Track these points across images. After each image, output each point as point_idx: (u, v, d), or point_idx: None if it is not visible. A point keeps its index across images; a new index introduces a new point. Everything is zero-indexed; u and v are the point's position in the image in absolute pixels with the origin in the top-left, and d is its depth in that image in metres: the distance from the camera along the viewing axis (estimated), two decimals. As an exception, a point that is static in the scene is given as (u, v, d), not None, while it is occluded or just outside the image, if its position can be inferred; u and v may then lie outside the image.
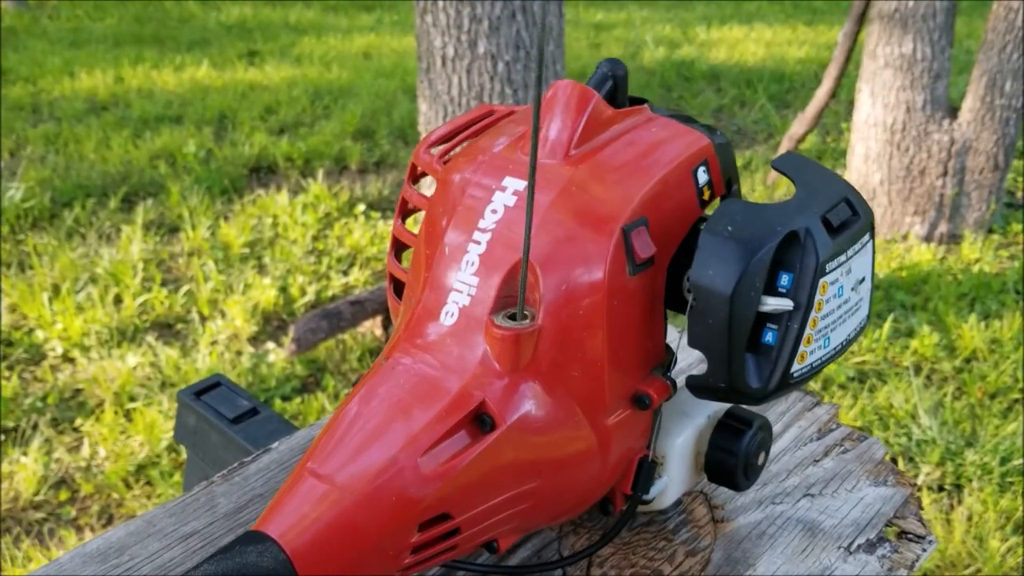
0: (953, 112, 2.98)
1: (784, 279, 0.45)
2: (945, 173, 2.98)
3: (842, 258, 0.46)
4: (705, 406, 0.54)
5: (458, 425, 0.44)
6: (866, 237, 0.48)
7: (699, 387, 0.48)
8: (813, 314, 0.45)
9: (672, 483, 0.54)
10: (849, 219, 0.46)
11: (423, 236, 0.51)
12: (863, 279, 0.48)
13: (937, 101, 2.96)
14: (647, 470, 0.52)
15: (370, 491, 0.41)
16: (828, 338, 0.47)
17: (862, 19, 3.16)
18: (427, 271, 0.48)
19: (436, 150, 0.56)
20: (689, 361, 0.73)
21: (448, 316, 0.47)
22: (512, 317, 0.45)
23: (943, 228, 3.04)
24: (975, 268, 2.82)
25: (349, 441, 0.43)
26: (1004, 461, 1.92)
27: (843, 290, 0.47)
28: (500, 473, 0.45)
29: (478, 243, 0.47)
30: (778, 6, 7.22)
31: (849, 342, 0.49)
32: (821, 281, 0.45)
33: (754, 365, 0.46)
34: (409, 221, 0.58)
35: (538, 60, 0.35)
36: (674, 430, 0.53)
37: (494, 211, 0.47)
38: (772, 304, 0.45)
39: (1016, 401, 2.16)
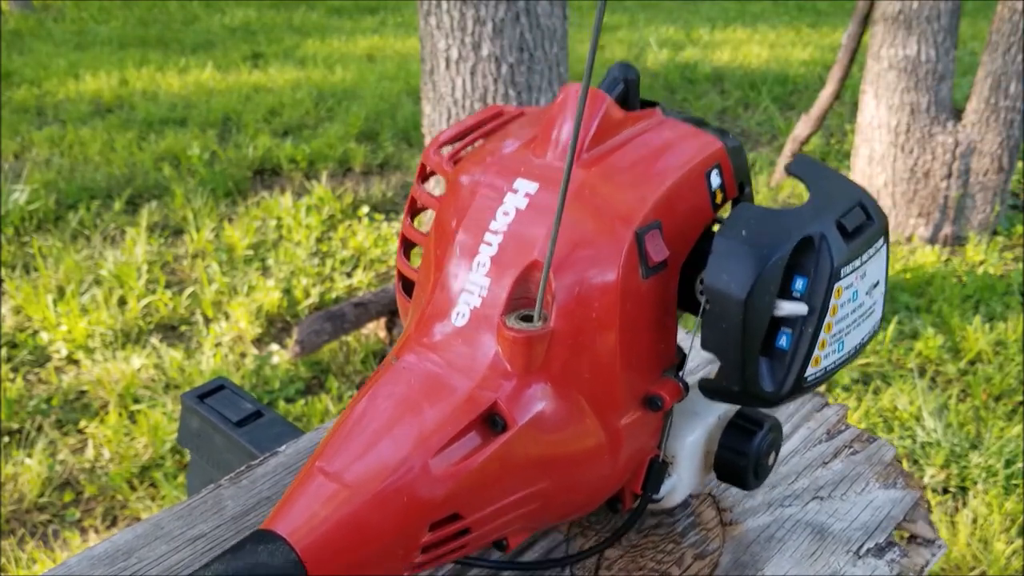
0: (957, 114, 2.98)
1: (799, 283, 0.45)
2: (949, 175, 2.97)
3: (856, 263, 0.46)
4: (716, 406, 0.54)
5: (469, 426, 0.44)
6: (880, 241, 0.48)
7: (712, 390, 0.48)
8: (828, 319, 0.45)
9: (681, 482, 0.54)
10: (863, 224, 0.46)
11: (433, 236, 0.51)
12: (877, 283, 0.48)
13: (941, 103, 2.96)
14: (658, 470, 0.52)
15: (380, 491, 0.41)
16: (842, 342, 0.47)
17: (866, 21, 3.15)
18: (437, 272, 0.48)
19: (446, 150, 0.56)
20: (697, 361, 0.73)
21: (459, 317, 0.47)
22: (524, 319, 0.45)
23: (947, 230, 3.03)
24: (980, 270, 2.82)
25: (359, 440, 0.43)
26: (1009, 463, 1.92)
27: (858, 294, 0.47)
28: (511, 474, 0.45)
29: (489, 244, 0.47)
30: (782, 8, 7.22)
31: (863, 346, 0.49)
32: (836, 286, 0.45)
33: (768, 369, 0.46)
34: (416, 220, 0.58)
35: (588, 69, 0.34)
36: (684, 430, 0.53)
37: (505, 213, 0.47)
38: (787, 308, 0.45)
39: (1021, 403, 2.16)
